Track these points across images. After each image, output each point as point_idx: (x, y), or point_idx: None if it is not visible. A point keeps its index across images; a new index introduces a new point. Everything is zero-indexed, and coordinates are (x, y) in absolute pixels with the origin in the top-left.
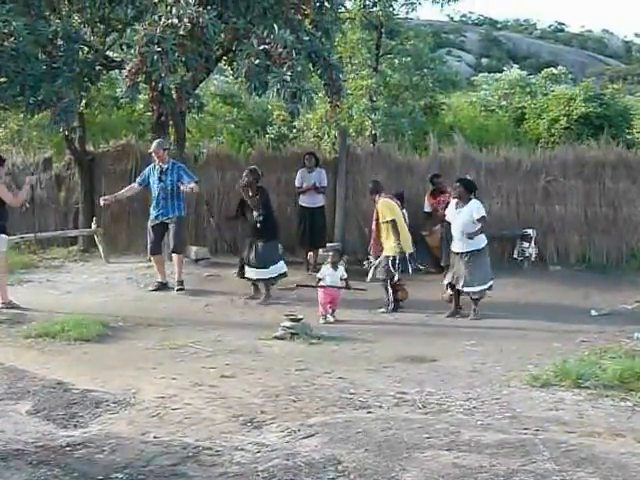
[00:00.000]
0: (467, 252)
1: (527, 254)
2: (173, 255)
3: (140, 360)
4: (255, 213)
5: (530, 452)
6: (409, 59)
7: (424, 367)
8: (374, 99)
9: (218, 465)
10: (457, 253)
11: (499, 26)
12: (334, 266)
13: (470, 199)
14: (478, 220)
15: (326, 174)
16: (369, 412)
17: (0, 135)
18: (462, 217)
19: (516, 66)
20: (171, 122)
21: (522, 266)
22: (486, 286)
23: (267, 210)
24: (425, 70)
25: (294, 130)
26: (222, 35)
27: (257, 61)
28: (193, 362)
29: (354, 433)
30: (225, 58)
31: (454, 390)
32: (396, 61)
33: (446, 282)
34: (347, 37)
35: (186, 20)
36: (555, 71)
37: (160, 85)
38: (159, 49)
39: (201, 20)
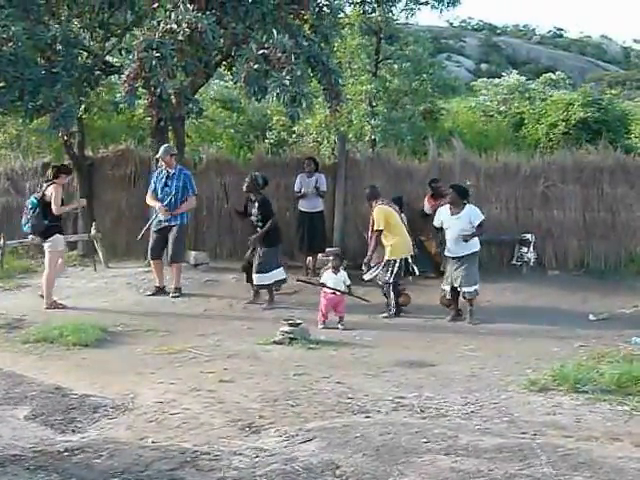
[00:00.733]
0: (464, 256)
1: (526, 259)
2: (172, 264)
3: (139, 365)
4: (254, 218)
5: (528, 456)
6: (408, 64)
7: (423, 372)
8: (373, 104)
9: (216, 470)
10: (453, 257)
11: (498, 32)
12: (335, 271)
13: (464, 204)
14: (479, 225)
15: (325, 179)
16: (367, 417)
17: None
18: (460, 223)
19: (515, 71)
20: (170, 127)
21: (521, 271)
22: (477, 286)
23: (266, 220)
24: (424, 75)
25: (293, 135)
26: (221, 40)
27: (256, 66)
28: (192, 367)
29: (352, 438)
30: (224, 63)
31: (452, 395)
32: (395, 66)
33: (444, 287)
34: (346, 42)
35: (185, 25)
36: (553, 76)
37: (159, 90)
38: (158, 54)
39: (200, 25)
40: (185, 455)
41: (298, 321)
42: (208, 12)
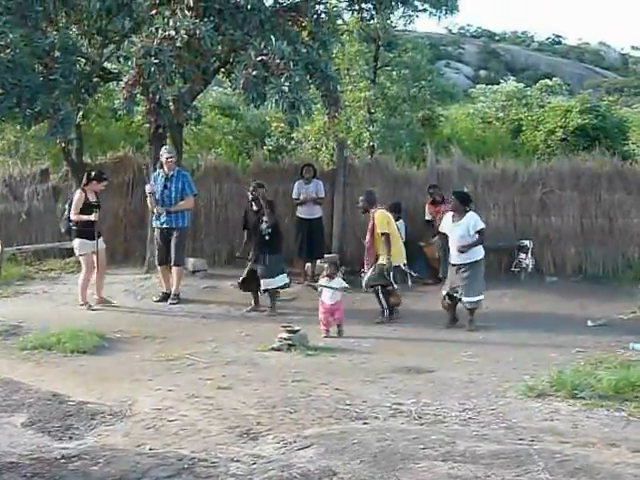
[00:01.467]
0: (465, 264)
1: (524, 265)
2: (173, 268)
3: (136, 372)
4: (263, 226)
5: (525, 462)
6: (407, 71)
7: (421, 378)
8: (372, 111)
9: (214, 477)
10: (455, 265)
11: (497, 38)
12: (331, 278)
13: (467, 211)
14: (477, 232)
15: (324, 185)
16: (365, 423)
17: None
18: (460, 230)
19: (513, 78)
20: (169, 134)
21: (519, 277)
22: (481, 297)
23: (275, 222)
24: (423, 82)
25: (292, 142)
26: (219, 47)
27: (255, 72)
28: (190, 374)
29: (350, 444)
30: (223, 70)
31: (450, 401)
32: (394, 73)
33: (444, 292)
34: (345, 49)
35: (183, 32)
36: (550, 82)
37: (157, 97)
38: (156, 61)
39: (198, 32)
40: (183, 462)
41: (296, 328)
42: (206, 19)
